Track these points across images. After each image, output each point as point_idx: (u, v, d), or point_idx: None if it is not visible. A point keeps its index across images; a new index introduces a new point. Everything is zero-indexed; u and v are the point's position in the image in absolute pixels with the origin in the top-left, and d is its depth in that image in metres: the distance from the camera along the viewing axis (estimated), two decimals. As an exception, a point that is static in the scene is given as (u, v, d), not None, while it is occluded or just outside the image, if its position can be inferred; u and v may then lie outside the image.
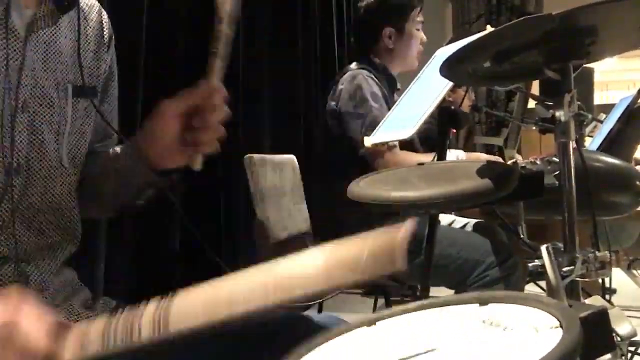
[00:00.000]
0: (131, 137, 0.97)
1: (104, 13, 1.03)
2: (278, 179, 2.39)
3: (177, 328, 0.62)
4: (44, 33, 0.89)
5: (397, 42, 2.17)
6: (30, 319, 0.63)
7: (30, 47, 0.86)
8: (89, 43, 0.98)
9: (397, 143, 1.99)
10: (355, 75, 2.05)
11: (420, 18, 2.20)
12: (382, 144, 1.69)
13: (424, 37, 2.22)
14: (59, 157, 0.90)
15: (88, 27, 0.98)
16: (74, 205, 0.95)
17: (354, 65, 2.15)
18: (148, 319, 0.61)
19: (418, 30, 2.19)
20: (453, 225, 2.14)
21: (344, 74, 2.11)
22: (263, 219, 2.17)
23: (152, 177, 0.94)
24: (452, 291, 1.87)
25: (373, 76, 2.08)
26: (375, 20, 2.17)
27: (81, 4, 0.96)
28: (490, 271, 1.77)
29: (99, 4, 1.02)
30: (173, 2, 2.35)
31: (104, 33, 1.01)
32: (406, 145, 2.07)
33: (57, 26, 0.91)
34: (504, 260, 1.79)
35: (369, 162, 1.94)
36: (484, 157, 2.25)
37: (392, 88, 2.17)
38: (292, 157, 2.59)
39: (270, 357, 0.69)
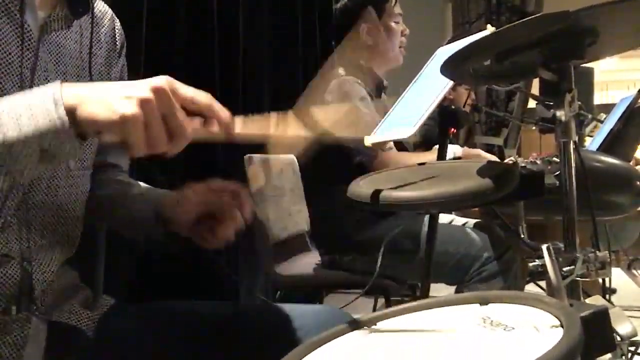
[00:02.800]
0: (153, 193, 1.01)
1: (117, 20, 1.04)
2: (278, 179, 2.39)
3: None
4: (57, 35, 0.90)
5: (376, 37, 2.15)
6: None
7: (44, 48, 0.87)
8: (101, 48, 0.99)
9: (392, 144, 1.98)
10: (341, 84, 2.01)
11: (398, 10, 2.17)
12: (383, 142, 1.69)
13: (406, 30, 2.18)
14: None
15: (100, 33, 0.99)
16: (77, 208, 0.95)
17: (341, 70, 2.12)
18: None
19: (397, 22, 2.16)
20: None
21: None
22: (263, 219, 2.17)
23: (160, 237, 0.97)
24: (452, 288, 1.87)
25: (359, 80, 2.05)
26: (350, 20, 2.14)
27: (94, 10, 0.97)
28: (487, 266, 1.78)
29: (111, 12, 1.03)
30: (173, 2, 2.35)
31: (116, 40, 1.03)
32: (397, 145, 2.07)
33: (69, 29, 0.92)
34: (501, 254, 1.79)
35: (366, 165, 1.92)
36: (475, 152, 2.25)
37: (378, 89, 2.15)
38: (292, 157, 2.59)
39: (272, 352, 0.69)
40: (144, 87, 0.65)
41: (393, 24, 2.15)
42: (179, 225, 0.94)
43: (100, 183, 1.04)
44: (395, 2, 2.16)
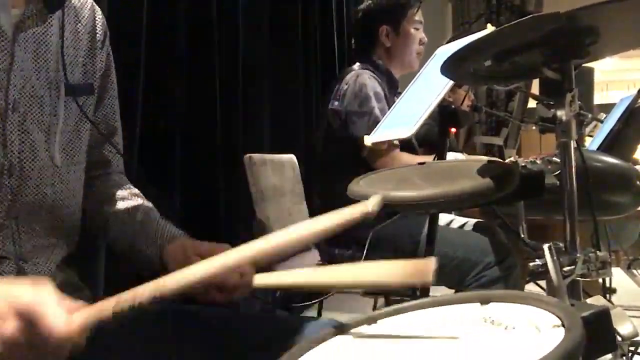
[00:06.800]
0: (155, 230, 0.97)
1: (98, 10, 1.02)
2: (278, 179, 2.38)
3: (175, 286, 0.68)
4: (34, 32, 0.88)
5: (394, 40, 2.18)
6: (50, 307, 0.61)
7: (20, 47, 0.86)
8: (81, 40, 0.97)
9: (398, 143, 1.99)
10: (360, 74, 2.06)
11: (418, 17, 2.20)
12: (382, 142, 1.69)
13: (424, 38, 2.22)
14: (51, 157, 0.89)
15: (79, 25, 0.97)
16: (71, 205, 0.94)
17: (356, 65, 2.16)
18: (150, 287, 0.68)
19: (417, 29, 2.19)
20: (452, 225, 2.14)
21: (347, 74, 2.12)
22: (263, 219, 2.17)
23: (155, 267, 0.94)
24: (452, 291, 1.87)
25: (375, 76, 2.09)
26: (372, 20, 2.19)
27: (72, 2, 0.96)
28: (487, 271, 1.77)
29: (92, 1, 1.01)
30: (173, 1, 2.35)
31: (97, 30, 1.00)
32: (405, 146, 2.07)
33: (48, 25, 0.90)
34: (502, 260, 1.78)
35: (369, 162, 1.94)
36: (482, 158, 2.25)
37: (393, 89, 2.17)
38: (292, 157, 2.59)
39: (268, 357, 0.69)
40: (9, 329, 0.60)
41: (412, 30, 2.18)
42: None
43: (102, 195, 1.03)
44: (418, 9, 2.17)
